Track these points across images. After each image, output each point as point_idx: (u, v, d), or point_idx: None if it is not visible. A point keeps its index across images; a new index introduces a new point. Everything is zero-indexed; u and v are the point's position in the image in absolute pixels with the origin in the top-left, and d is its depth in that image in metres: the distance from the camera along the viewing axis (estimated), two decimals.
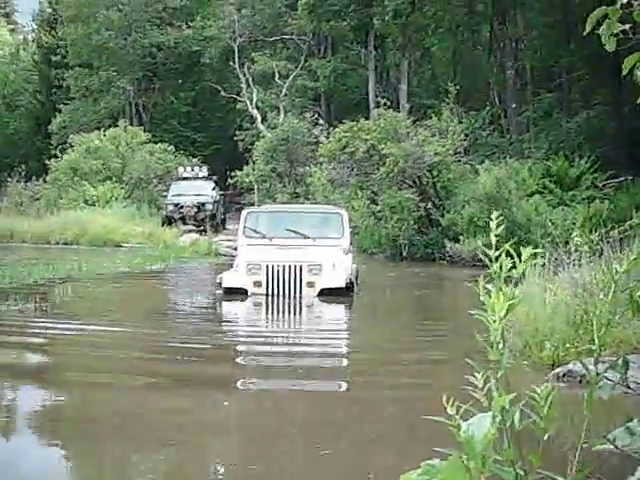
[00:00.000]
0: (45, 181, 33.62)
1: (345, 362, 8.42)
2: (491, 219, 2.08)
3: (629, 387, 2.03)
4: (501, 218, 2.09)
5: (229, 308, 12.18)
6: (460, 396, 1.94)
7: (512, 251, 1.95)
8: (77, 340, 9.05)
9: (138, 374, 7.40)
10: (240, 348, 8.95)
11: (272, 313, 11.83)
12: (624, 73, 2.26)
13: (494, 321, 1.85)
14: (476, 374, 1.89)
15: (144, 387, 6.93)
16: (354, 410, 6.17)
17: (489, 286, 1.91)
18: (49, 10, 49.46)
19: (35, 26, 52.07)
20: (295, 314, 11.82)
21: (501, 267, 1.94)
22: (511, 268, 1.94)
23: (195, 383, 7.07)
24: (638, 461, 2.15)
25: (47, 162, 34.42)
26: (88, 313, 11.45)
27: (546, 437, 1.94)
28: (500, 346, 1.86)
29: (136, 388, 6.89)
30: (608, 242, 8.20)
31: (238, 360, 8.19)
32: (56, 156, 34.12)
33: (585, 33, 2.32)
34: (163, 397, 6.57)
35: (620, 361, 2.04)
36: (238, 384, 7.15)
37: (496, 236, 2.05)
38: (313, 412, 6.20)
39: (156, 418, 5.95)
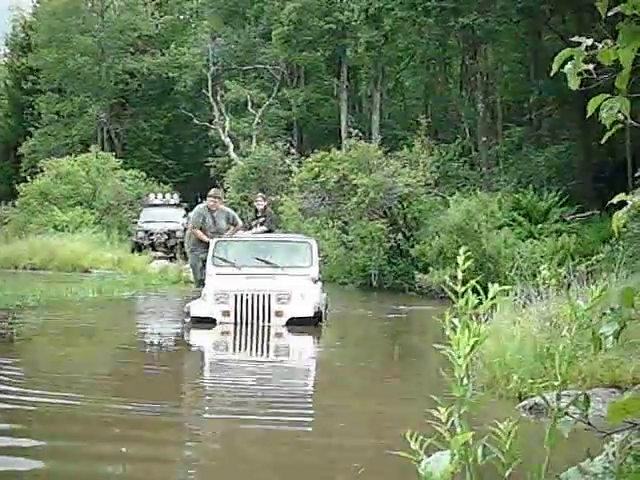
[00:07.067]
0: (14, 205, 33.36)
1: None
2: (459, 253, 2.09)
3: (589, 424, 2.05)
4: (469, 252, 2.10)
5: (196, 340, 11.95)
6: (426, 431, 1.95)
7: (479, 287, 1.95)
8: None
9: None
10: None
11: (240, 346, 11.52)
12: (589, 114, 2.32)
13: (459, 357, 1.86)
14: (440, 409, 1.90)
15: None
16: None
17: (455, 321, 1.92)
18: (22, 35, 49.31)
19: (7, 50, 51.89)
20: (262, 349, 11.44)
21: (467, 303, 1.95)
22: (478, 304, 1.95)
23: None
24: None
25: (16, 186, 34.16)
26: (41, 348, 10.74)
27: (508, 473, 1.95)
28: (464, 382, 1.87)
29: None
30: (575, 276, 8.28)
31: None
32: (26, 180, 33.88)
33: (552, 73, 2.37)
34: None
35: (581, 397, 2.06)
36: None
37: (464, 270, 2.05)
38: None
39: None
